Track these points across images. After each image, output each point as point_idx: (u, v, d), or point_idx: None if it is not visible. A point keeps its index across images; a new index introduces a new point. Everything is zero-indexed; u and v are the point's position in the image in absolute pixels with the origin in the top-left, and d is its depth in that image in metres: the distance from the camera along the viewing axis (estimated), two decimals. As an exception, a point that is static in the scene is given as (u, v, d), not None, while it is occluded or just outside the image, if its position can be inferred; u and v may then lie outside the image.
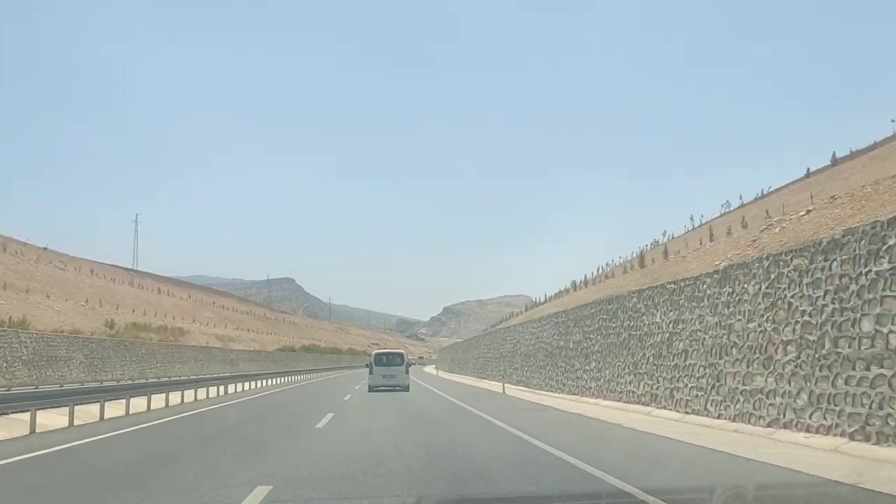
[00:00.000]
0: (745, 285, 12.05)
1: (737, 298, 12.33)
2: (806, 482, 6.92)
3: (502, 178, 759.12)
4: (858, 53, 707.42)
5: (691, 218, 62.10)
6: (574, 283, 66.97)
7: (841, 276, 9.47)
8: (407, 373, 30.34)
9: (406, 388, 28.84)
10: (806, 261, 10.34)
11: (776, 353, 10.91)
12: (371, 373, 29.86)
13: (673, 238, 58.32)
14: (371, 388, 28.76)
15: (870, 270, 8.86)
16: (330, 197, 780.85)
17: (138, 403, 18.54)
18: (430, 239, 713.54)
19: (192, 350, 53.39)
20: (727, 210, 58.80)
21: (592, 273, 65.76)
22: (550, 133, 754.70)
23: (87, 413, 15.82)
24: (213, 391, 26.60)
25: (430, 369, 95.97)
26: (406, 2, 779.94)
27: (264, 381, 38.85)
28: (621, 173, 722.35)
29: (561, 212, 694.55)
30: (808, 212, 27.42)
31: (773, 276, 11.21)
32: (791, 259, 10.76)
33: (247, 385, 33.84)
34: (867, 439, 8.71)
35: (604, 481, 6.93)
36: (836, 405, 9.40)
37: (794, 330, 10.49)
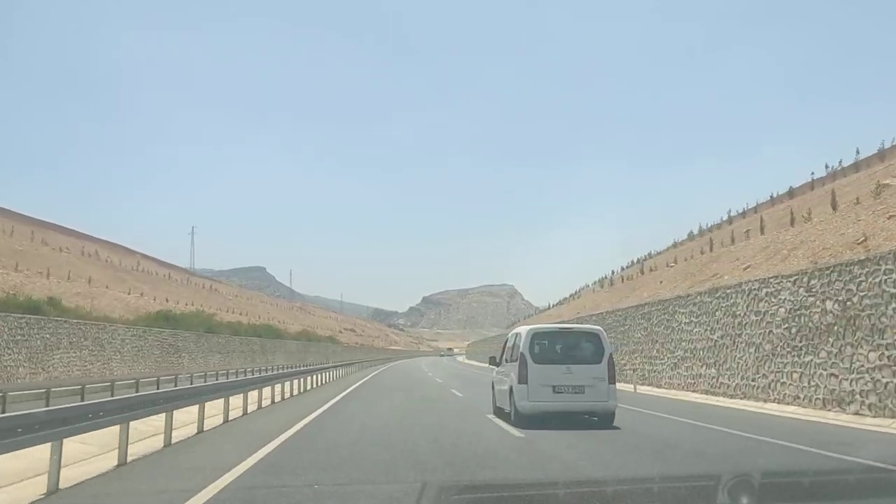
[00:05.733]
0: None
1: None
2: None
3: (484, 169, 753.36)
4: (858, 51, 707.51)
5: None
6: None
7: None
8: (613, 382, 12.56)
9: (610, 418, 12.44)
10: None
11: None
12: (518, 376, 12.42)
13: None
14: (521, 415, 12.24)
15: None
16: (305, 186, 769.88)
17: None
18: (409, 229, 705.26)
19: None
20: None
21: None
22: (533, 124, 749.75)
23: None
24: None
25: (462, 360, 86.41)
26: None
27: None
28: (610, 166, 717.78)
29: (547, 203, 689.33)
30: None
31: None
32: None
33: None
34: None
35: None
36: None
37: None
